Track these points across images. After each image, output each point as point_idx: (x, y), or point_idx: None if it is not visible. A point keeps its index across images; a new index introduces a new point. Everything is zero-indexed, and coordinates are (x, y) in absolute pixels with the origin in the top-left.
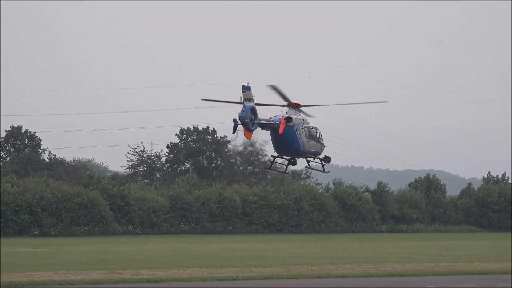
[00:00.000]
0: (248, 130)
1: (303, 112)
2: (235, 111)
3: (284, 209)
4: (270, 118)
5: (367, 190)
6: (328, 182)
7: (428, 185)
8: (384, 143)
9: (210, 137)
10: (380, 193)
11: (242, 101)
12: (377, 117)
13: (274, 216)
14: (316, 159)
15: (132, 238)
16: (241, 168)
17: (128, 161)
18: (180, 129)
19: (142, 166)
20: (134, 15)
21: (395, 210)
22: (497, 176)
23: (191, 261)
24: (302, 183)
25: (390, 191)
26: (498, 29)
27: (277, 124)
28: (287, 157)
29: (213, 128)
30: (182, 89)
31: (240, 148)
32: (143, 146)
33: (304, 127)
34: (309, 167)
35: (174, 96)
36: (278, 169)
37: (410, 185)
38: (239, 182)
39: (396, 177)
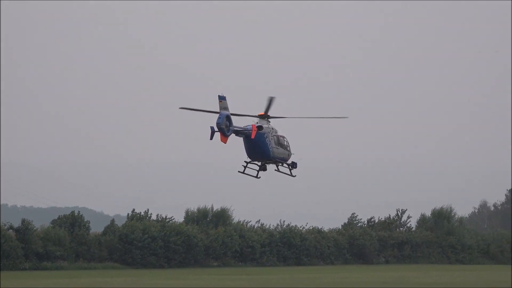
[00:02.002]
0: (224, 135)
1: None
2: None
3: None
4: (243, 126)
5: (11, 227)
6: None
7: (73, 222)
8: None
9: None
10: (24, 231)
11: (219, 110)
12: None
13: None
14: (284, 164)
15: None
16: None
17: None
18: None
19: None
20: None
21: (39, 248)
22: (141, 212)
23: None
24: None
25: (35, 228)
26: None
27: (249, 130)
28: (259, 163)
29: None
30: None
31: None
32: None
33: (273, 135)
34: (278, 170)
35: None
36: (250, 174)
37: (53, 222)
38: None
39: (40, 214)
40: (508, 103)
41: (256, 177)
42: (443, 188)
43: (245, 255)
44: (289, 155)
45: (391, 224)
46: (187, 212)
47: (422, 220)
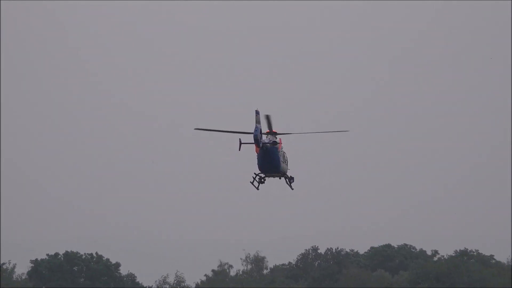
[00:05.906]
0: (258, 146)
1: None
2: None
3: None
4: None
5: None
6: None
7: None
8: None
9: None
10: None
11: (255, 122)
12: None
13: None
14: (284, 177)
15: None
16: None
17: None
18: None
19: None
20: None
21: None
22: None
23: None
24: None
25: None
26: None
27: (269, 144)
28: (263, 176)
29: None
30: None
31: None
32: None
33: (281, 151)
34: (286, 182)
35: None
36: (255, 186)
37: None
38: None
39: None
40: None
41: (257, 188)
42: None
43: None
44: (287, 170)
45: None
46: None
47: None
